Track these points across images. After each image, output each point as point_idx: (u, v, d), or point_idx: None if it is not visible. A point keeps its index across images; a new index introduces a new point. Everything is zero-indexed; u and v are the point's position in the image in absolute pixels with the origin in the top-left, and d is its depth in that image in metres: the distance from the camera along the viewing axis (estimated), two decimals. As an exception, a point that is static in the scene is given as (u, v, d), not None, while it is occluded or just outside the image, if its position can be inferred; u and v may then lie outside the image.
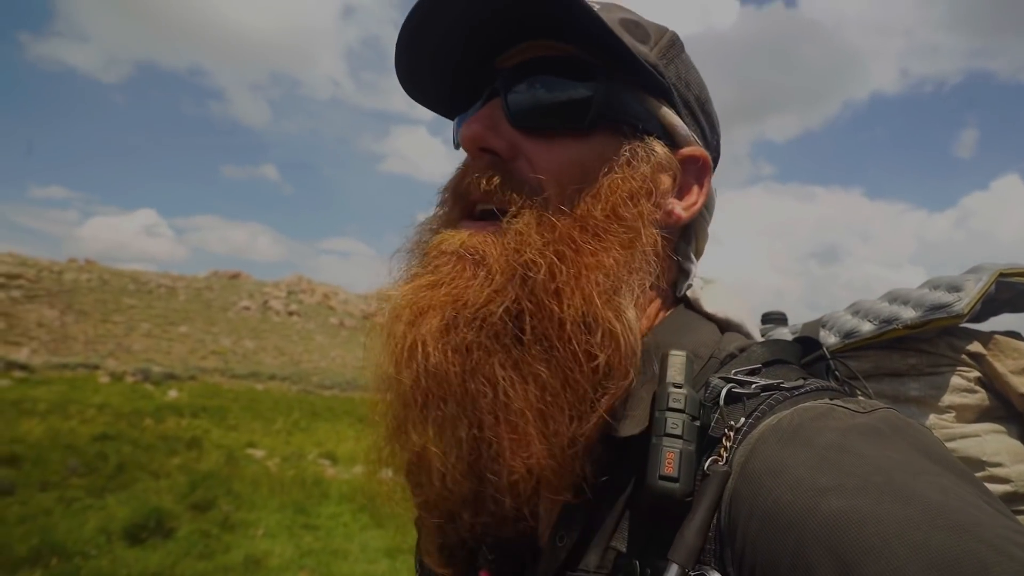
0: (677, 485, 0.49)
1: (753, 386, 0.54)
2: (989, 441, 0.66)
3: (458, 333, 0.55)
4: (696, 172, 0.66)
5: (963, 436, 0.67)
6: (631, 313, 0.56)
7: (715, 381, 0.55)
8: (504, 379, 0.54)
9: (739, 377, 0.55)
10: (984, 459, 0.65)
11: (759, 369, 0.57)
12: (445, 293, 0.56)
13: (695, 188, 0.66)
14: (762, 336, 0.73)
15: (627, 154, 0.60)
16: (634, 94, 0.62)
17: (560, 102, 0.59)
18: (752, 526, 0.44)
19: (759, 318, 0.78)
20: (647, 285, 0.59)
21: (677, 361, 0.56)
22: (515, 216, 0.58)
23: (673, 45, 0.65)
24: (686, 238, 0.69)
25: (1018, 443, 0.67)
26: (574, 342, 0.54)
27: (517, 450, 0.53)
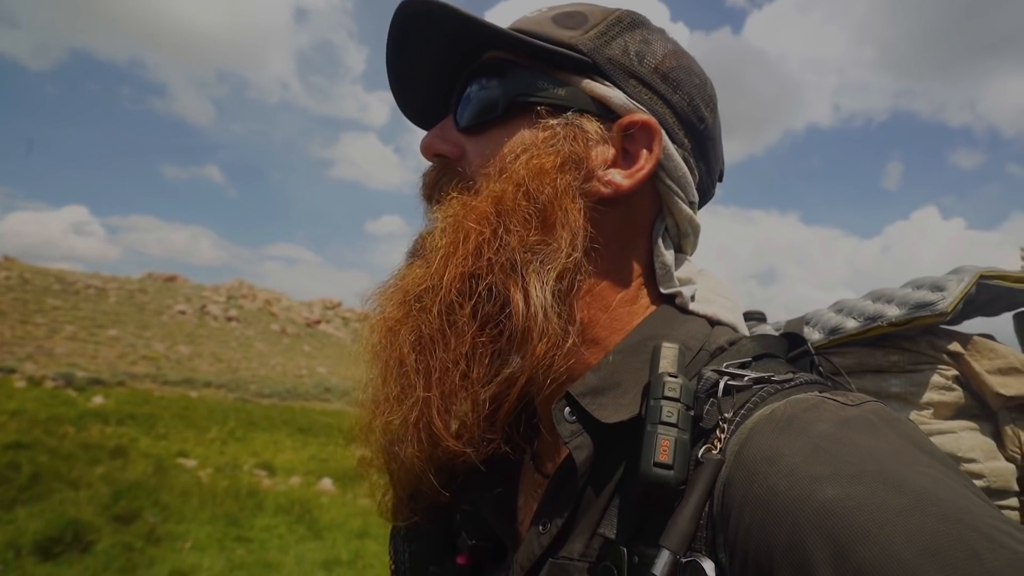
0: (672, 472, 0.49)
1: (745, 379, 0.54)
2: (964, 438, 0.68)
3: (392, 314, 0.62)
4: (645, 138, 0.63)
5: (940, 432, 0.68)
6: (540, 290, 0.58)
7: (707, 373, 0.56)
8: (404, 342, 0.60)
9: (731, 370, 0.55)
10: (960, 455, 0.66)
11: (749, 363, 0.58)
12: (397, 284, 0.64)
13: (643, 153, 0.63)
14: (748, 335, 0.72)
15: (543, 133, 0.63)
16: (551, 77, 0.64)
17: (478, 99, 0.66)
18: (746, 512, 0.44)
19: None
20: (585, 264, 0.61)
21: (670, 352, 0.57)
22: (440, 205, 0.64)
23: (619, 22, 0.66)
24: (661, 217, 0.67)
25: (991, 440, 0.69)
26: (460, 308, 0.58)
27: (404, 399, 0.59)
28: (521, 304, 0.57)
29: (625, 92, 0.64)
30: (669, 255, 0.66)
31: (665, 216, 0.67)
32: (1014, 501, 0.65)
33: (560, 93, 0.64)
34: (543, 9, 0.68)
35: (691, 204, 0.68)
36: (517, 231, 0.59)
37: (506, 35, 0.63)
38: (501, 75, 0.65)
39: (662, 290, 0.65)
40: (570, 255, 0.59)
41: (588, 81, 0.64)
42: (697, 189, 0.68)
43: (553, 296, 0.58)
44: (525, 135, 0.63)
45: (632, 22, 0.67)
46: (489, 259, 0.59)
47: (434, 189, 0.67)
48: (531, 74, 0.64)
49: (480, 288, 0.58)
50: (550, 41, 0.63)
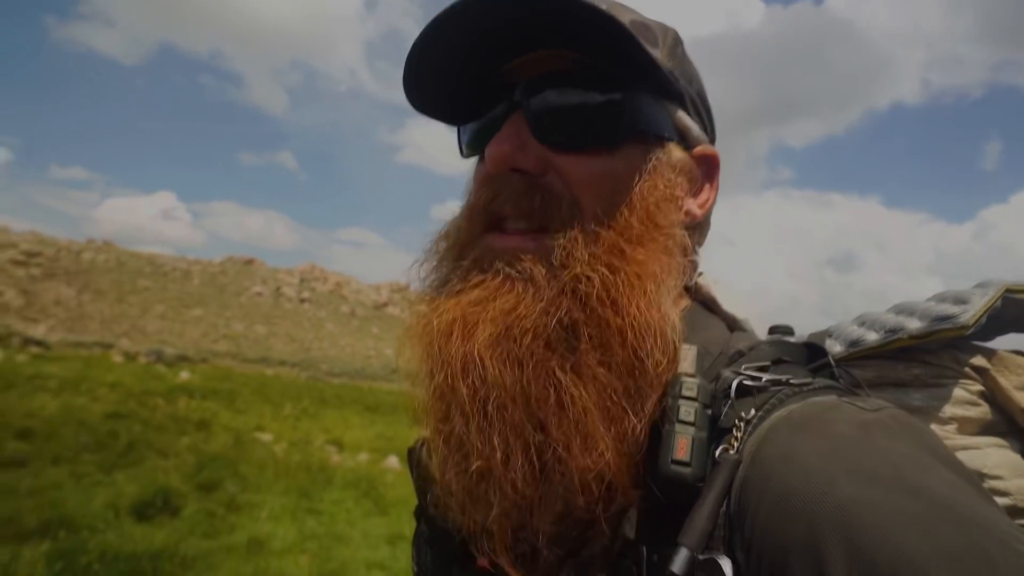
0: (689, 470, 0.50)
1: (763, 380, 0.55)
2: (990, 454, 0.66)
3: (512, 344, 0.55)
4: (707, 169, 0.68)
5: (964, 448, 0.67)
6: (673, 314, 0.58)
7: (726, 374, 0.56)
8: (565, 382, 0.54)
9: (749, 372, 0.56)
10: (985, 471, 0.65)
11: (767, 367, 0.58)
12: (496, 308, 0.56)
13: (707, 186, 0.68)
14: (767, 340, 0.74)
15: (653, 161, 0.62)
16: (654, 100, 0.63)
17: (588, 116, 0.60)
18: (762, 511, 0.45)
19: (766, 329, 0.79)
20: (679, 285, 0.62)
21: (689, 354, 0.58)
22: (557, 231, 0.58)
23: (677, 44, 0.66)
24: (695, 232, 0.70)
25: (1018, 457, 0.67)
26: (631, 347, 0.55)
27: (586, 448, 0.53)
28: (670, 333, 0.57)
29: (693, 121, 0.66)
30: (698, 262, 0.70)
31: (701, 231, 0.71)
32: None
33: (666, 121, 0.64)
34: (605, 5, 0.58)
35: None
36: (657, 261, 0.59)
37: (637, 41, 0.56)
38: (608, 90, 0.60)
39: (688, 284, 0.68)
40: (677, 279, 0.62)
41: (679, 110, 0.65)
42: None
43: (677, 320, 0.59)
44: (636, 162, 0.61)
45: (681, 42, 0.67)
46: (646, 295, 0.57)
47: (534, 213, 0.59)
48: (650, 98, 0.62)
49: (640, 325, 0.56)
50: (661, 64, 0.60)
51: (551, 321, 0.55)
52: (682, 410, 0.52)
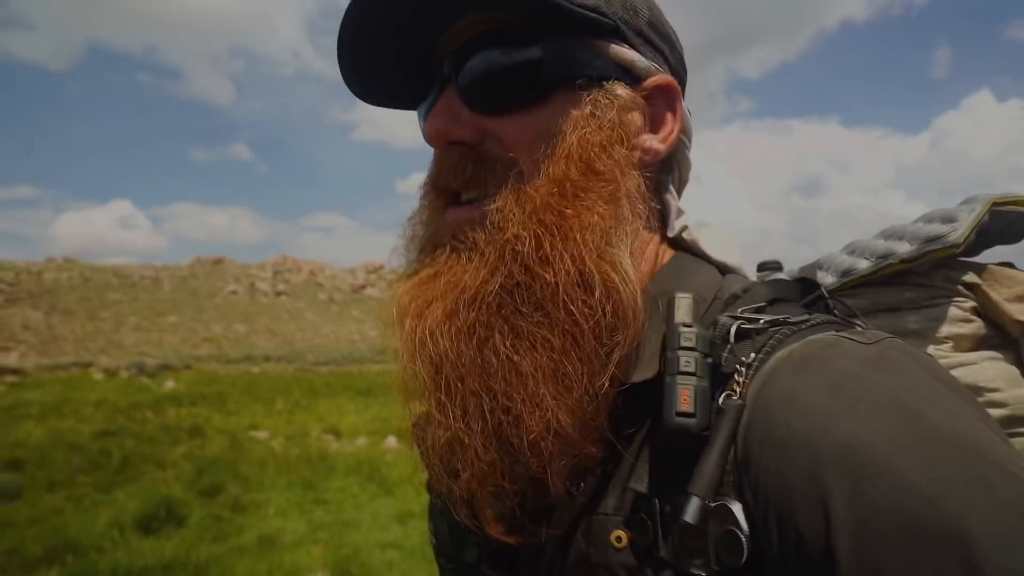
0: (694, 420, 0.50)
1: (761, 322, 0.55)
2: (986, 367, 0.67)
3: (460, 316, 0.56)
4: (666, 100, 0.64)
5: (961, 364, 0.67)
6: (627, 262, 0.56)
7: (723, 319, 0.56)
8: (508, 346, 0.55)
9: (746, 315, 0.56)
10: (981, 385, 0.66)
11: (764, 307, 0.58)
12: (444, 282, 0.58)
13: (668, 116, 0.64)
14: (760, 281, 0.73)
15: (589, 106, 0.59)
16: (581, 44, 0.60)
17: (510, 75, 0.59)
18: (765, 452, 0.45)
19: (753, 267, 0.78)
20: (639, 228, 0.60)
21: (684, 303, 0.58)
22: (495, 196, 0.58)
23: None
24: (667, 169, 0.68)
25: (1014, 368, 0.68)
26: (571, 303, 0.55)
27: (532, 410, 0.54)
28: (621, 285, 0.55)
29: (639, 53, 0.63)
30: (675, 203, 0.68)
31: (673, 167, 0.68)
32: None
33: (596, 63, 0.61)
34: None
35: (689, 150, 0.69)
36: (600, 211, 0.57)
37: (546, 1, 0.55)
38: (526, 44, 0.58)
39: (672, 234, 0.67)
40: (634, 225, 0.59)
41: (614, 46, 0.61)
42: None
43: (632, 268, 0.57)
44: (572, 111, 0.59)
45: None
46: (585, 246, 0.55)
47: (473, 181, 0.60)
48: (568, 43, 0.60)
49: (588, 278, 0.55)
50: (575, 4, 0.58)
51: (493, 287, 0.56)
52: (682, 361, 0.52)
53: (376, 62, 0.64)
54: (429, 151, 0.65)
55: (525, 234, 0.55)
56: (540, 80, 0.59)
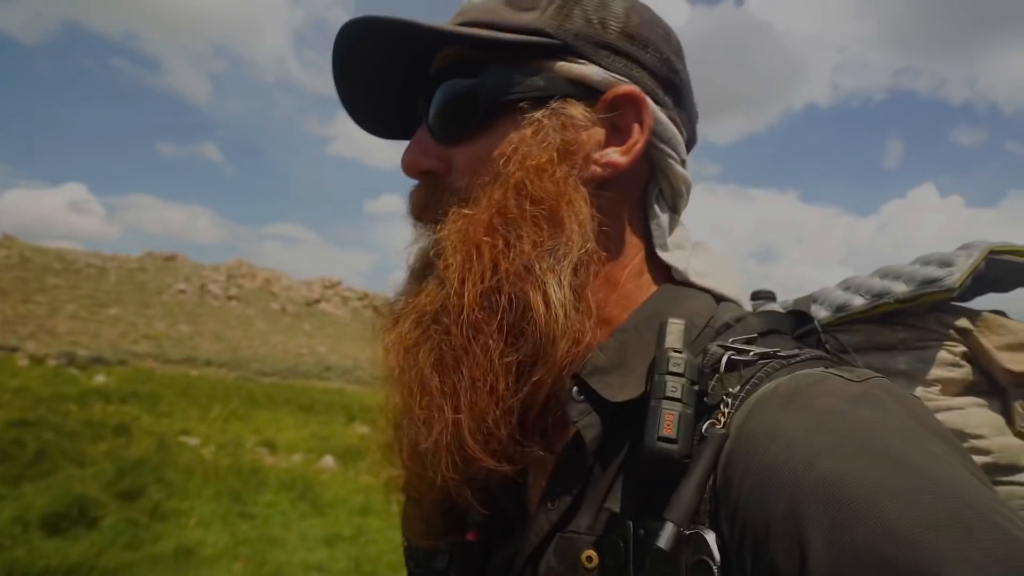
0: (675, 446, 0.49)
1: (750, 354, 0.54)
2: (972, 414, 0.67)
3: (408, 335, 0.60)
4: (632, 110, 0.61)
5: (948, 408, 0.67)
6: (554, 284, 0.56)
7: (713, 348, 0.56)
8: (425, 363, 0.58)
9: (736, 345, 0.55)
10: (967, 431, 0.66)
11: (755, 339, 0.57)
12: (411, 304, 0.62)
13: (634, 127, 0.62)
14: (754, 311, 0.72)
15: (530, 128, 0.60)
16: (522, 67, 0.61)
17: (456, 105, 0.62)
18: (746, 484, 0.45)
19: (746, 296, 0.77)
20: (597, 248, 0.59)
21: (675, 328, 0.57)
22: (442, 224, 0.61)
23: None
24: (653, 181, 0.66)
25: (999, 416, 0.68)
26: (485, 324, 0.56)
27: (432, 423, 0.57)
28: (542, 308, 0.56)
29: (600, 66, 0.61)
30: (664, 218, 0.66)
31: (659, 179, 0.66)
32: (1023, 477, 0.65)
33: (538, 83, 0.61)
34: None
35: (683, 163, 0.67)
36: (528, 235, 0.57)
37: (463, 36, 0.60)
38: (472, 76, 0.62)
39: (659, 254, 0.65)
40: (583, 247, 0.58)
41: (562, 63, 0.61)
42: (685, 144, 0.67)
43: (572, 291, 0.57)
44: (512, 135, 0.60)
45: None
46: (506, 270, 0.57)
47: (426, 209, 0.65)
48: (504, 69, 0.61)
49: (502, 301, 0.56)
50: (511, 29, 0.60)
51: (432, 309, 0.59)
52: (668, 386, 0.52)
53: (372, 109, 0.71)
54: (400, 175, 0.68)
55: (453, 261, 0.58)
56: (479, 107, 0.61)
